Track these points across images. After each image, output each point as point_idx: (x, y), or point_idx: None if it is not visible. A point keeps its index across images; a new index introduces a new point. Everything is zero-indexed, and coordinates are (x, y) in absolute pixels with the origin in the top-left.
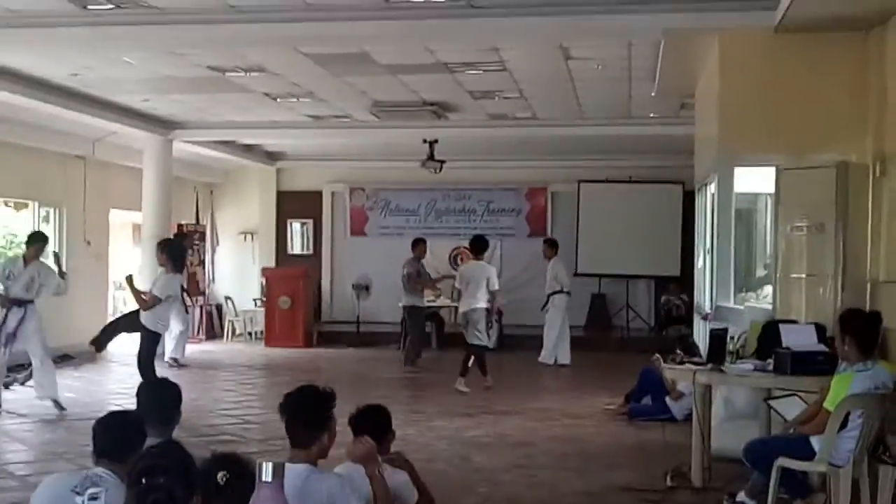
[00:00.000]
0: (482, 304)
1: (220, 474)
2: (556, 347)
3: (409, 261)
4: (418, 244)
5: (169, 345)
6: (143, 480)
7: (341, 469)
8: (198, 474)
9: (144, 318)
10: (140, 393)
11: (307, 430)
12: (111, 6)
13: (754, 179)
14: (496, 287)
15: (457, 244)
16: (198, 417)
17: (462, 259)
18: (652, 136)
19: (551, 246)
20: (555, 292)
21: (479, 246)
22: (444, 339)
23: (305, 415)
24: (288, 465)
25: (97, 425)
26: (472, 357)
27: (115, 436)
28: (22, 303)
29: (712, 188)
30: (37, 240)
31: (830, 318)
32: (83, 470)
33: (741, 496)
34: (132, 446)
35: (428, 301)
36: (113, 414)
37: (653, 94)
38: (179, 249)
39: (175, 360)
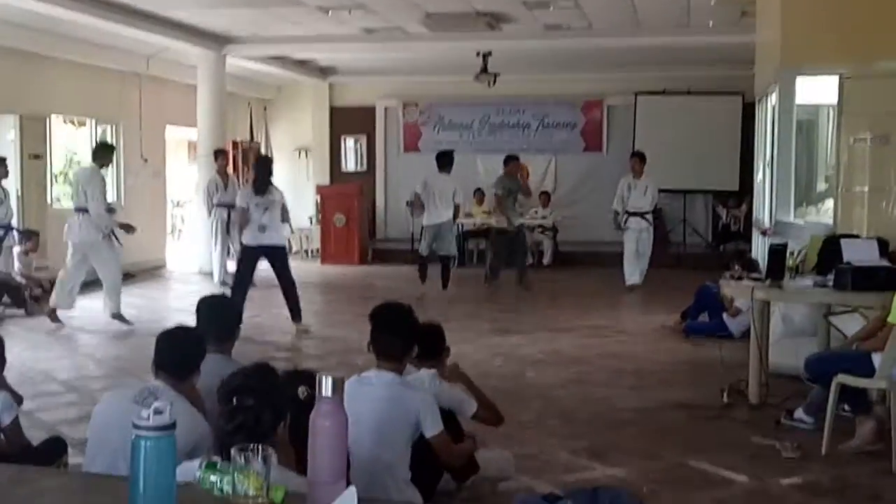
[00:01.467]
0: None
1: (301, 389)
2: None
3: (501, 179)
4: (511, 161)
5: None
6: (234, 400)
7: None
8: (286, 401)
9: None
10: (200, 309)
11: (398, 343)
12: None
13: (817, 90)
14: (460, 200)
15: None
16: (256, 334)
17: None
18: (711, 45)
19: (644, 160)
20: (648, 211)
21: (443, 161)
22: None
23: (397, 328)
24: (377, 373)
25: (160, 338)
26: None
27: (175, 350)
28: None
29: (773, 99)
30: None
31: (894, 233)
32: (142, 383)
33: (799, 413)
34: (192, 362)
35: (482, 217)
36: (175, 329)
37: (712, 1)
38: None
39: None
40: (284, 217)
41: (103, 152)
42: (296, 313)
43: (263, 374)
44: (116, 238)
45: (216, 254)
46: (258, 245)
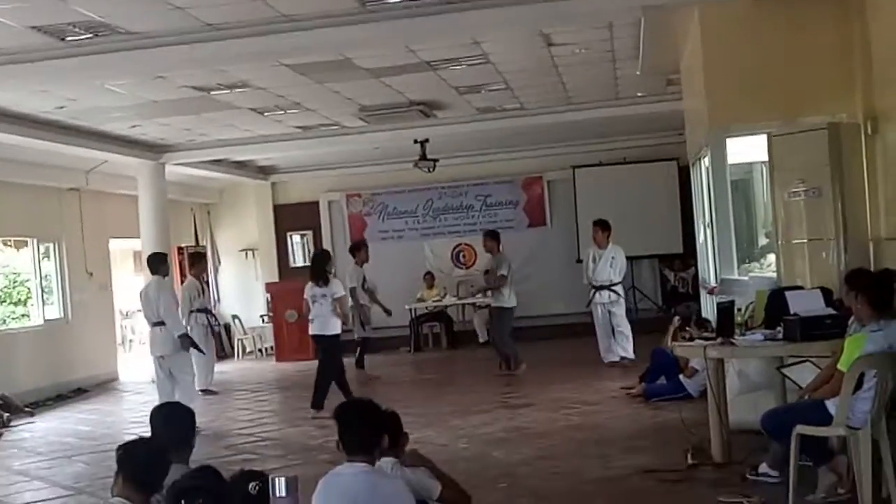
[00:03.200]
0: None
1: (251, 484)
2: (618, 341)
3: (501, 256)
4: (495, 236)
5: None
6: (182, 502)
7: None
8: (236, 500)
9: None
10: (154, 418)
11: (366, 438)
12: (90, 35)
13: (747, 148)
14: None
15: (458, 241)
16: (215, 439)
17: (465, 256)
18: (642, 115)
19: (605, 229)
20: (615, 283)
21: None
22: (454, 338)
23: (363, 423)
24: (349, 465)
25: (124, 451)
26: None
27: (145, 463)
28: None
29: (706, 161)
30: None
31: (835, 281)
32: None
33: (763, 467)
34: (159, 475)
35: (434, 300)
36: (140, 441)
37: (638, 72)
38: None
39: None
40: (335, 308)
41: (159, 263)
42: (315, 401)
43: (210, 475)
44: (196, 346)
45: (198, 360)
46: (312, 335)
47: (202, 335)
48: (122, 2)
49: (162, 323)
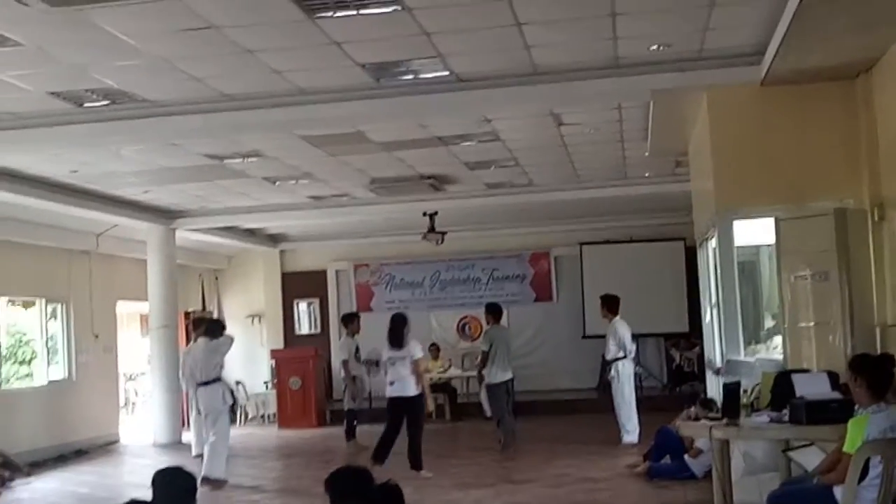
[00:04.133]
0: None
1: None
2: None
3: (491, 331)
4: (490, 310)
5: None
6: None
7: None
8: None
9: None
10: (156, 482)
11: None
12: (106, 102)
13: (754, 231)
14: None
15: (464, 314)
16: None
17: (470, 328)
18: (649, 195)
19: (606, 304)
20: (617, 359)
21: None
22: (459, 410)
23: (354, 493)
24: None
25: None
26: None
27: None
28: None
29: (713, 243)
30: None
31: (841, 364)
32: None
33: None
34: None
35: (438, 371)
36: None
37: (646, 154)
38: None
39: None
40: (412, 370)
41: (218, 328)
42: (414, 463)
43: None
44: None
45: (194, 426)
46: (390, 397)
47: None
48: (141, 71)
49: (210, 382)
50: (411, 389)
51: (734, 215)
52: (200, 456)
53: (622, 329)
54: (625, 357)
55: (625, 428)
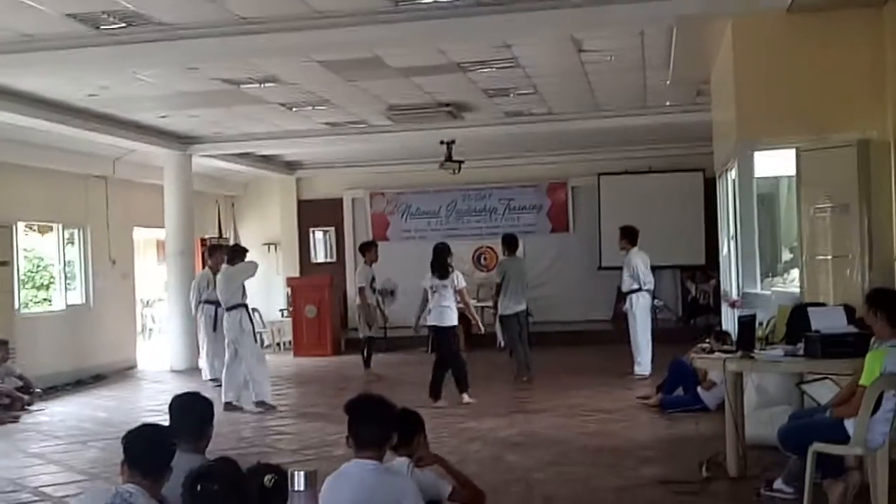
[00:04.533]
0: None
1: (267, 478)
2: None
3: (505, 262)
4: (506, 241)
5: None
6: (199, 487)
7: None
8: (251, 490)
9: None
10: (173, 407)
11: (376, 433)
12: (123, 25)
13: (775, 162)
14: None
15: (480, 244)
16: (231, 431)
17: (486, 259)
18: (669, 124)
19: (625, 236)
20: (632, 291)
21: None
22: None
23: (373, 418)
24: (357, 462)
25: (127, 438)
26: None
27: (144, 449)
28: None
29: (733, 174)
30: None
31: (859, 299)
32: (113, 487)
33: (778, 483)
34: (161, 460)
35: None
36: (143, 427)
37: (668, 82)
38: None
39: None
40: (457, 300)
41: (237, 254)
42: (433, 391)
43: (227, 465)
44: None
45: (204, 351)
46: (429, 325)
47: (209, 327)
48: None
49: (230, 308)
50: (448, 319)
51: (755, 146)
52: (213, 380)
53: (636, 260)
54: (639, 289)
55: (637, 360)
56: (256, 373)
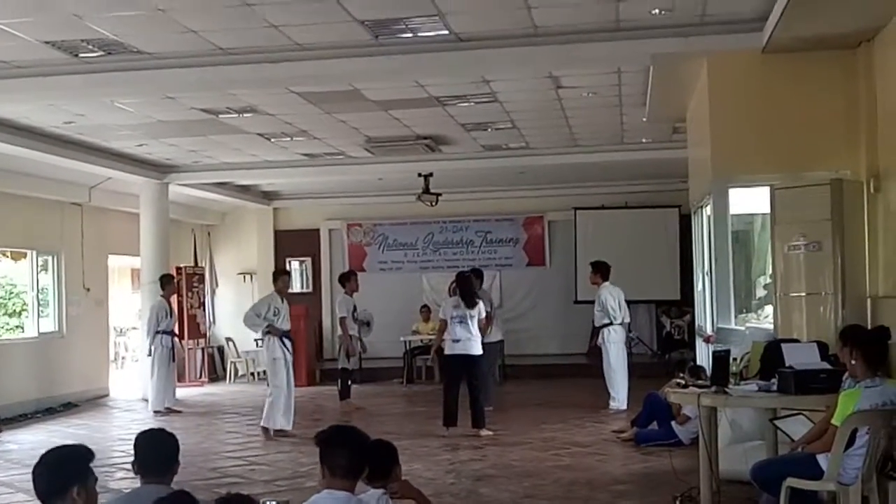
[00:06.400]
0: None
1: None
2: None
3: (484, 293)
4: (479, 275)
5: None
6: None
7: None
8: None
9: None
10: (136, 445)
11: (348, 463)
12: (102, 53)
13: (749, 199)
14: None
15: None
16: (203, 461)
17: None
18: (646, 160)
19: (597, 270)
20: (604, 325)
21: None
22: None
23: (346, 448)
24: (329, 493)
25: (37, 467)
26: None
27: (52, 475)
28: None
29: (708, 210)
30: (283, 273)
31: (832, 335)
32: None
33: None
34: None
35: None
36: (51, 451)
37: (644, 119)
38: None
39: (167, 408)
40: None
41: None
42: (476, 422)
43: (180, 501)
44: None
45: (154, 381)
46: (453, 354)
47: (165, 357)
48: (137, 22)
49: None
50: (477, 349)
51: (730, 183)
52: (157, 412)
53: (605, 294)
54: (611, 323)
55: (612, 395)
56: (273, 399)
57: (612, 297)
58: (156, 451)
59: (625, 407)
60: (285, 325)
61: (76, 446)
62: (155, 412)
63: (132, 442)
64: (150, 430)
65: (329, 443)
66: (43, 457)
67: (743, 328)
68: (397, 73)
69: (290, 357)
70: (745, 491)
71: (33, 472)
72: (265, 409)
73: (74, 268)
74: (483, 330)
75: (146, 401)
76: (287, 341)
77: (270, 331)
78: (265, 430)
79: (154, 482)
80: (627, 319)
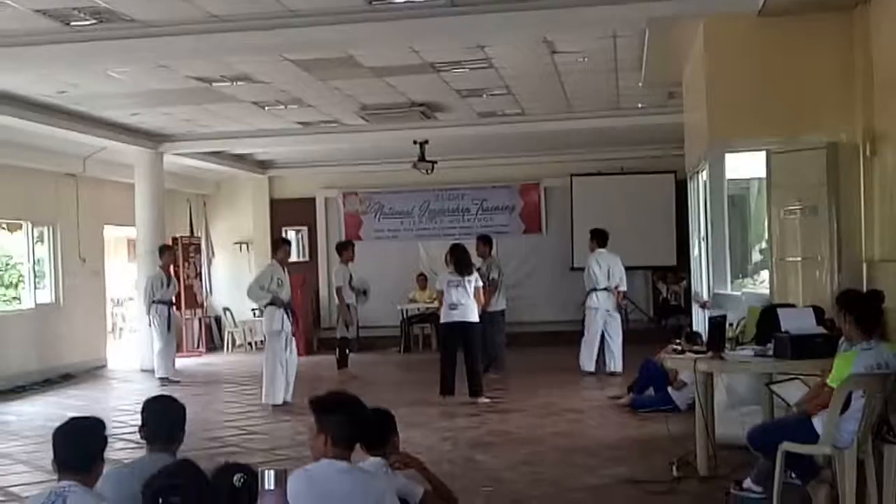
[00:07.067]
0: None
1: (236, 477)
2: (602, 352)
3: (485, 262)
4: (488, 241)
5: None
6: (160, 500)
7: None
8: (211, 493)
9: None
10: (145, 411)
11: (346, 431)
12: (94, 21)
13: (746, 164)
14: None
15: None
16: (201, 430)
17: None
18: (641, 126)
19: (594, 237)
20: (590, 290)
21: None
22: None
23: (343, 416)
24: (328, 462)
25: (56, 435)
26: None
27: (73, 445)
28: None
29: (704, 175)
30: (284, 242)
31: (828, 300)
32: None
33: (748, 483)
34: (94, 453)
35: (426, 302)
36: (71, 422)
37: (640, 84)
38: None
39: (165, 378)
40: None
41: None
42: (474, 390)
43: (187, 471)
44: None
45: (157, 351)
46: (450, 322)
47: (162, 327)
48: None
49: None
50: (474, 316)
51: (726, 148)
52: (163, 379)
53: (592, 261)
54: (594, 289)
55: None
56: (267, 372)
57: (597, 264)
58: (163, 419)
59: (591, 369)
60: (287, 295)
61: (97, 421)
62: (160, 379)
63: (134, 411)
64: (159, 397)
65: (327, 410)
66: (71, 428)
67: (739, 293)
68: (391, 39)
69: (290, 328)
70: (742, 455)
71: (58, 440)
72: (264, 385)
73: (70, 239)
74: (488, 298)
75: (144, 371)
76: (290, 312)
77: (274, 302)
78: (272, 406)
79: (159, 450)
80: (623, 287)
